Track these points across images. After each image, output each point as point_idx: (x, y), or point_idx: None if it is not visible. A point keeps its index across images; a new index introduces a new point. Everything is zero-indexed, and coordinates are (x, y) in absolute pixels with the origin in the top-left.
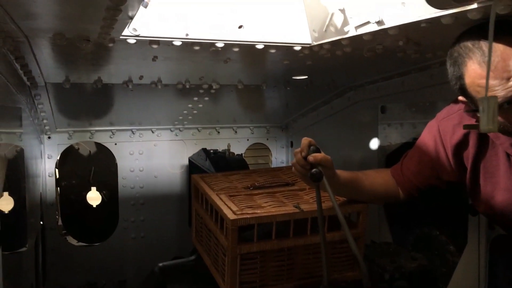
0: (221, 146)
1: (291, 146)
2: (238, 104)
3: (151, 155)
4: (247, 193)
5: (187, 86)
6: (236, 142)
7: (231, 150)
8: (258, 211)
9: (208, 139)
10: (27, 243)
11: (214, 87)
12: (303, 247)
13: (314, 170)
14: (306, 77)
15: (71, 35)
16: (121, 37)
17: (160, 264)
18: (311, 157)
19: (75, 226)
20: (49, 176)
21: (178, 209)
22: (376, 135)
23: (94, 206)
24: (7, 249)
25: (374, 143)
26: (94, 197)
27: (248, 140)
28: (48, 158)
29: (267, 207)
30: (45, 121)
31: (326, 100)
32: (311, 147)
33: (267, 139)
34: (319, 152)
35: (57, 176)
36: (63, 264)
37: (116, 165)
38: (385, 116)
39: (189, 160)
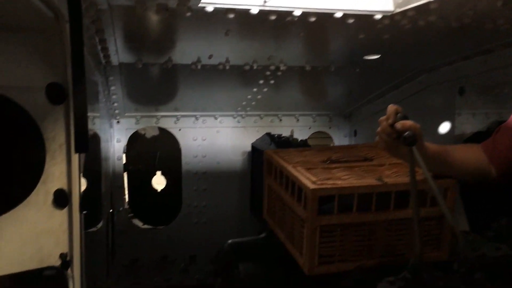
0: (283, 134)
1: (355, 135)
2: (301, 90)
3: (213, 141)
4: (324, 167)
5: (254, 67)
6: (297, 130)
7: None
8: (339, 182)
9: (269, 126)
10: (100, 223)
11: (281, 68)
12: (385, 222)
13: (407, 133)
14: (379, 56)
15: (151, 3)
16: (199, 5)
17: (230, 241)
18: (398, 124)
19: (141, 209)
20: (117, 159)
21: (240, 195)
22: (452, 122)
23: (159, 190)
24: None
25: (450, 131)
26: (159, 182)
27: (310, 128)
28: (117, 142)
29: (347, 179)
30: (115, 104)
31: (395, 85)
32: (398, 114)
33: (330, 127)
34: (407, 119)
35: (125, 161)
36: (131, 244)
37: (180, 150)
38: (463, 100)
39: (252, 146)
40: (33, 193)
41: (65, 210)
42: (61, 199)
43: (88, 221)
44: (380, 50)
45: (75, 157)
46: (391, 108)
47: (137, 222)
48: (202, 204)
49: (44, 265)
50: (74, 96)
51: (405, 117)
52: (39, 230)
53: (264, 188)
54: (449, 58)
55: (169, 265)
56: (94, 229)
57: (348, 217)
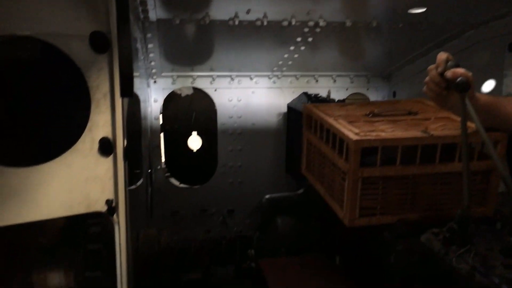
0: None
1: (394, 96)
2: (339, 49)
3: (249, 102)
4: (366, 120)
5: (292, 23)
6: (334, 91)
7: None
8: (382, 134)
9: (306, 87)
10: (141, 179)
11: (320, 24)
12: (430, 176)
13: (459, 78)
14: (424, 9)
15: None
16: None
17: (267, 196)
18: (449, 73)
19: (177, 169)
20: (154, 119)
21: (275, 156)
22: (500, 81)
23: (195, 150)
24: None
25: (498, 90)
26: (194, 142)
27: (347, 89)
28: (154, 102)
29: (391, 132)
30: (153, 63)
31: (439, 42)
32: (449, 63)
33: (367, 89)
34: (459, 67)
35: (161, 121)
36: (170, 200)
37: (215, 111)
38: None
39: (288, 107)
40: (79, 140)
41: (110, 158)
42: (106, 147)
43: (130, 178)
44: (426, 2)
45: (118, 107)
46: (442, 55)
47: (174, 181)
48: (238, 164)
49: (91, 210)
50: (119, 43)
51: (456, 65)
52: (86, 177)
53: (302, 143)
54: (499, 12)
55: (208, 218)
56: (138, 184)
57: (391, 170)
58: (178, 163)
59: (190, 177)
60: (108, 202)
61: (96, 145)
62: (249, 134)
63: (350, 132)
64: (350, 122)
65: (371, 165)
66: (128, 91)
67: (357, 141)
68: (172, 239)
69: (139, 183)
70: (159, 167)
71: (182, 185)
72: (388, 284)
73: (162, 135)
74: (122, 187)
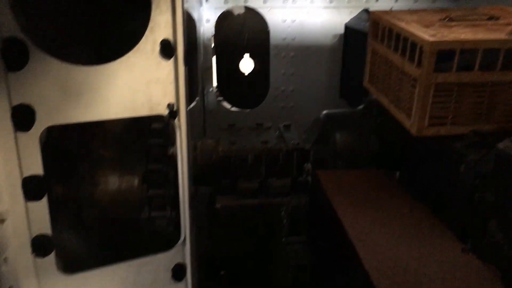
0: None
1: None
2: None
3: (303, 23)
4: (442, 24)
5: None
6: None
7: None
8: (461, 36)
9: (364, 7)
10: (195, 100)
11: None
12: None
13: None
14: None
15: None
16: None
17: (326, 112)
18: None
19: (228, 92)
20: (206, 40)
21: (329, 80)
22: None
23: (246, 74)
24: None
25: None
26: (246, 64)
27: (409, 9)
28: (206, 22)
29: (470, 34)
30: None
31: None
32: None
33: None
34: None
35: (213, 43)
36: (222, 121)
37: (268, 32)
38: None
39: (346, 27)
40: (141, 41)
41: (171, 61)
42: (167, 49)
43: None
44: None
45: (179, 7)
46: None
47: (226, 105)
48: (290, 89)
49: (154, 113)
50: None
51: None
52: (148, 79)
53: (367, 54)
54: None
55: (264, 131)
56: (193, 104)
57: (468, 76)
58: (230, 86)
59: (241, 100)
60: (170, 105)
61: (157, 47)
62: (303, 57)
63: (426, 34)
64: (425, 26)
65: (446, 70)
66: None
67: (433, 42)
68: (229, 149)
69: (193, 104)
70: (211, 89)
71: (233, 109)
72: (456, 195)
73: (214, 58)
74: (183, 91)
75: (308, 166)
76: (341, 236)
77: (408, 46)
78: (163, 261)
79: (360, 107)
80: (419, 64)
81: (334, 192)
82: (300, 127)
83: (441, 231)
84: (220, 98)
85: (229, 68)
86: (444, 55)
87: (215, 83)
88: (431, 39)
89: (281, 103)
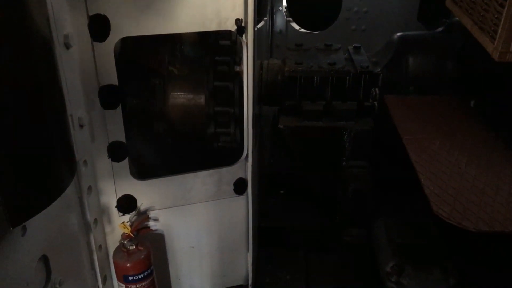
0: None
1: None
2: None
3: None
4: None
5: None
6: None
7: None
8: None
9: None
10: (263, 20)
11: None
12: None
13: None
14: None
15: None
16: None
17: (399, 34)
18: None
19: (298, 12)
20: None
21: (405, 1)
22: None
23: None
24: None
25: None
26: None
27: None
28: None
29: None
30: None
31: None
32: None
33: None
34: None
35: None
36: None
37: None
38: None
39: None
40: None
41: None
42: None
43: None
44: None
45: None
46: None
47: (294, 25)
48: (363, 10)
49: (222, 28)
50: None
51: None
52: None
53: None
54: None
55: (332, 52)
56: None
57: None
58: (299, 6)
59: (311, 21)
60: (238, 21)
61: None
62: None
63: None
64: None
65: None
66: None
67: None
68: (296, 69)
69: (261, 24)
70: (280, 8)
71: (302, 30)
72: None
73: None
74: (251, 7)
75: (376, 90)
76: (405, 163)
77: None
78: (226, 174)
79: (439, 29)
80: None
81: (402, 119)
82: (371, 49)
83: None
84: (289, 19)
85: None
86: None
87: (284, 3)
88: None
89: (353, 25)
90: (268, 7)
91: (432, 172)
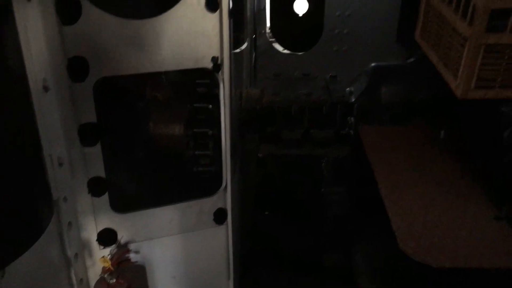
0: None
1: None
2: None
3: None
4: None
5: None
6: None
7: None
8: None
9: None
10: (246, 43)
11: None
12: None
13: None
14: None
15: None
16: None
17: (374, 64)
18: None
19: (281, 34)
20: None
21: (386, 22)
22: None
23: (300, 15)
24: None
25: None
26: (301, 5)
27: None
28: None
29: None
30: None
31: None
32: None
33: None
34: None
35: None
36: (272, 64)
37: None
38: None
39: None
40: None
41: (216, 14)
42: (212, 2)
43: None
44: None
45: None
46: None
47: (278, 47)
48: (344, 31)
49: (199, 66)
50: None
51: None
52: (194, 31)
53: (420, 6)
54: None
55: (310, 82)
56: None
57: None
58: (283, 28)
59: (294, 42)
60: (214, 59)
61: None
62: None
63: None
64: None
65: (497, 31)
66: None
67: (487, 0)
68: (274, 100)
69: (243, 46)
70: (263, 31)
71: (285, 51)
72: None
73: None
74: (227, 44)
75: (351, 119)
76: (375, 193)
77: (462, 2)
78: (206, 205)
79: (411, 60)
80: (471, 22)
81: (373, 149)
82: (350, 75)
83: (478, 196)
84: (272, 40)
85: (283, 9)
86: (500, 14)
87: (268, 24)
88: None
89: (335, 46)
90: (248, 33)
91: (400, 206)
